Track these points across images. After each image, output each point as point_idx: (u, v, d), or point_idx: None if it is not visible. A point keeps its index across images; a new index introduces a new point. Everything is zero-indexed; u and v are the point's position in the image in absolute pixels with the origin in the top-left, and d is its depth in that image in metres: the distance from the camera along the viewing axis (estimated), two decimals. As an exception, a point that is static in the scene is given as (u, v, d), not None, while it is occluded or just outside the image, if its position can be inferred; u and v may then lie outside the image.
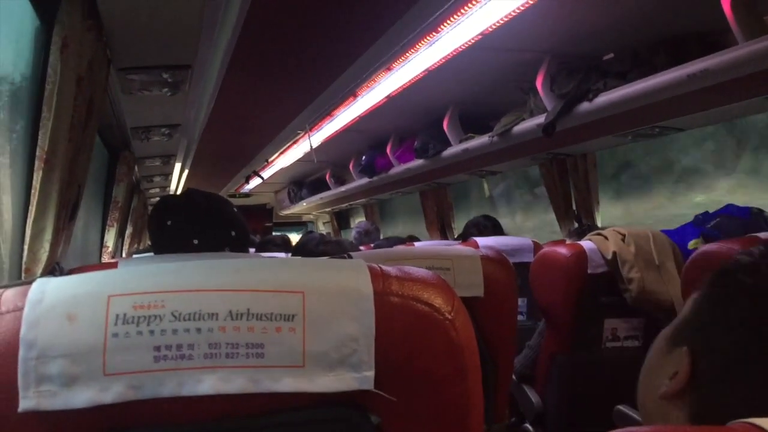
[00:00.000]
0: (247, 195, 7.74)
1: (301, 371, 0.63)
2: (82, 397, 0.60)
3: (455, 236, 4.55)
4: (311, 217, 8.54)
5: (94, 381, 0.60)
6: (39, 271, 1.45)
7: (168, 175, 4.09)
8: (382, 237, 4.73)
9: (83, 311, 0.61)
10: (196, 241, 1.49)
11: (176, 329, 0.62)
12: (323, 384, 0.64)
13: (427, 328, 0.66)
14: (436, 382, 0.67)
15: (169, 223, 1.51)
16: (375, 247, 3.45)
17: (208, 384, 0.62)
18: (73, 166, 1.53)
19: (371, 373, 0.64)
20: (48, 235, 1.45)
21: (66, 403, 0.60)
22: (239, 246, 1.56)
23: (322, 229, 8.37)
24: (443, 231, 4.89)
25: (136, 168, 3.51)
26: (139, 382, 0.61)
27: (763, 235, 1.42)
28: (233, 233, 1.55)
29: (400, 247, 2.30)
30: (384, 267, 0.70)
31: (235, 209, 1.61)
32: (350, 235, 6.23)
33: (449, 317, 0.67)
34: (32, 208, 1.42)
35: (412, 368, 0.66)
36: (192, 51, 1.77)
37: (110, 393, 0.60)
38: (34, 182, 1.42)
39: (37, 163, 1.42)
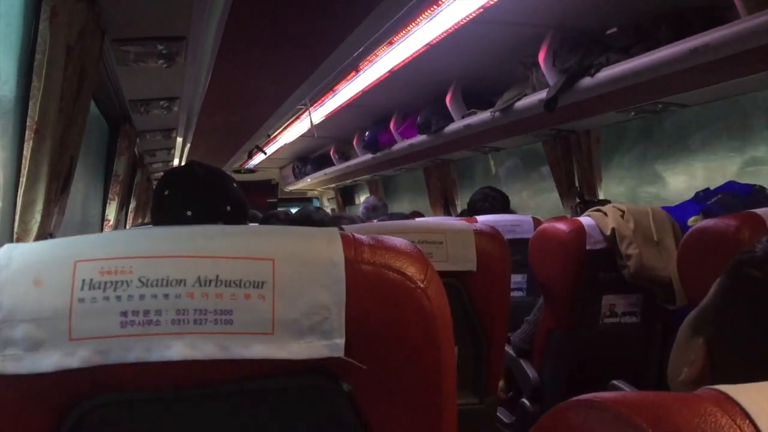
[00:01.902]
0: (251, 171, 7.74)
1: (271, 338, 0.63)
2: (47, 361, 0.60)
3: (458, 212, 4.53)
4: (316, 193, 8.54)
5: (60, 345, 0.60)
6: (30, 241, 1.45)
7: (170, 150, 4.09)
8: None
9: (49, 276, 0.61)
10: (189, 213, 1.49)
11: (143, 295, 0.61)
12: (293, 351, 0.63)
13: (399, 296, 0.66)
14: (407, 350, 0.66)
15: (166, 193, 1.51)
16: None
17: (176, 350, 0.62)
18: (64, 137, 1.52)
19: (342, 341, 0.64)
20: (39, 206, 1.44)
21: (31, 367, 0.60)
22: (235, 221, 1.55)
23: (327, 205, 8.37)
24: (447, 207, 4.88)
25: (138, 141, 3.50)
26: (106, 347, 0.61)
27: (760, 211, 1.40)
28: (229, 208, 1.54)
29: (396, 221, 2.30)
30: (357, 235, 0.69)
31: (235, 184, 1.60)
32: (357, 211, 6.24)
33: (421, 286, 0.66)
34: (23, 179, 1.41)
35: (384, 336, 0.66)
36: (186, 22, 1.76)
37: (76, 358, 0.60)
38: (24, 152, 1.41)
39: (27, 133, 1.41)
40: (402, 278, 0.66)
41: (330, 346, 0.64)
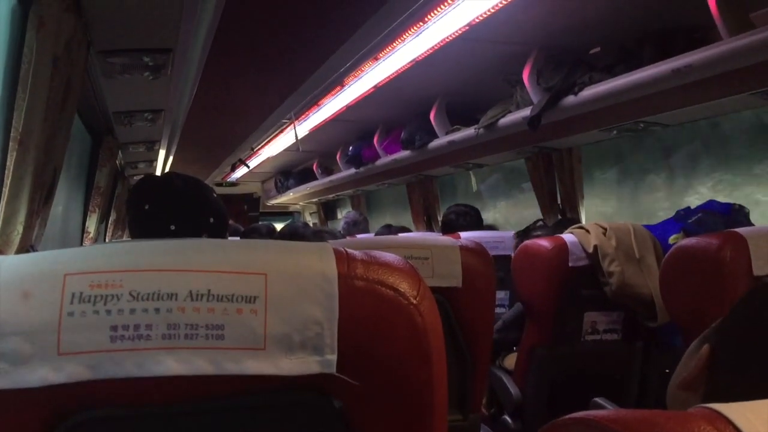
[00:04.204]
0: (234, 184, 7.70)
1: (262, 354, 0.62)
2: (34, 376, 0.59)
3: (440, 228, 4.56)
4: (298, 207, 8.52)
5: (48, 360, 0.59)
6: (12, 253, 1.43)
7: (152, 162, 4.05)
8: (370, 229, 4.74)
9: (38, 289, 0.60)
10: (173, 227, 1.48)
11: (134, 309, 0.60)
12: (285, 367, 0.63)
13: (392, 313, 0.66)
14: (400, 367, 0.66)
15: (146, 207, 1.50)
16: (375, 235, 3.47)
17: (167, 365, 0.61)
18: (49, 148, 1.50)
19: (334, 357, 0.64)
20: (21, 218, 1.43)
21: (18, 381, 0.59)
22: (218, 233, 1.54)
23: (309, 219, 8.35)
24: (429, 223, 4.89)
25: (120, 154, 3.47)
26: (95, 362, 0.60)
27: (741, 230, 1.42)
28: (212, 220, 1.53)
29: (383, 236, 2.30)
30: (350, 250, 0.69)
31: (215, 195, 1.59)
32: (338, 225, 6.23)
33: (414, 302, 0.66)
34: (5, 190, 1.39)
35: (376, 352, 0.65)
36: (173, 34, 1.75)
37: (64, 373, 0.59)
38: (8, 163, 1.40)
39: (11, 143, 1.39)
40: (395, 294, 0.66)
41: (322, 362, 0.64)
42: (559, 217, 3.34)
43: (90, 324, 0.60)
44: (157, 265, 0.62)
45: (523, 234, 2.58)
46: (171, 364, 0.61)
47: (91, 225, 3.21)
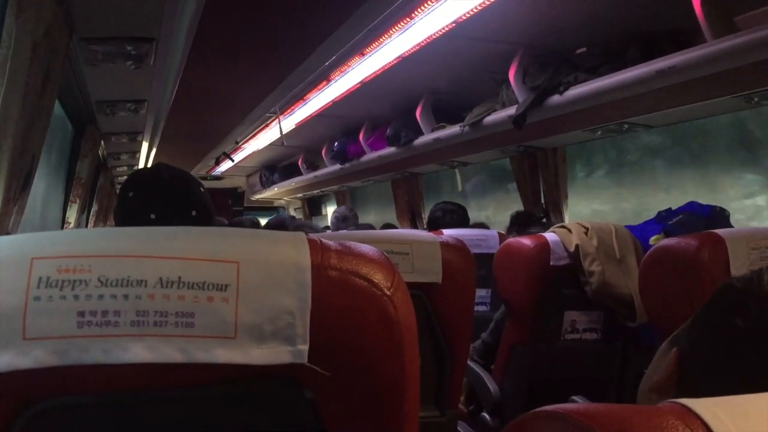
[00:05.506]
0: (218, 178, 7.67)
1: (233, 342, 0.61)
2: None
3: (425, 225, 4.55)
4: (283, 202, 8.50)
5: (13, 345, 0.58)
6: (-14, 240, 1.41)
7: (136, 153, 4.02)
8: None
9: (4, 273, 0.59)
10: (153, 216, 1.46)
11: (102, 295, 0.59)
12: (255, 356, 0.62)
13: (365, 303, 0.65)
14: (372, 358, 0.66)
15: (130, 195, 1.48)
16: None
17: (134, 352, 0.60)
18: (26, 135, 1.49)
19: (305, 347, 0.63)
20: (-3, 204, 1.41)
21: None
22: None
23: (294, 215, 8.33)
24: (414, 220, 4.90)
25: (102, 144, 3.44)
26: (61, 347, 0.59)
27: (720, 231, 1.43)
28: (194, 213, 1.51)
29: (364, 231, 2.30)
30: (324, 240, 0.68)
31: (203, 189, 1.57)
32: (323, 221, 6.22)
33: (388, 293, 0.66)
34: (-19, 176, 1.38)
35: (348, 343, 0.65)
36: (156, 23, 1.73)
37: (29, 358, 0.58)
38: (-17, 149, 1.38)
39: (-13, 129, 1.38)
40: (368, 285, 0.65)
41: (293, 352, 0.63)
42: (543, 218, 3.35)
43: (57, 309, 0.59)
44: (127, 251, 0.61)
45: (522, 226, 2.58)
46: (139, 352, 0.60)
47: (72, 215, 3.18)
